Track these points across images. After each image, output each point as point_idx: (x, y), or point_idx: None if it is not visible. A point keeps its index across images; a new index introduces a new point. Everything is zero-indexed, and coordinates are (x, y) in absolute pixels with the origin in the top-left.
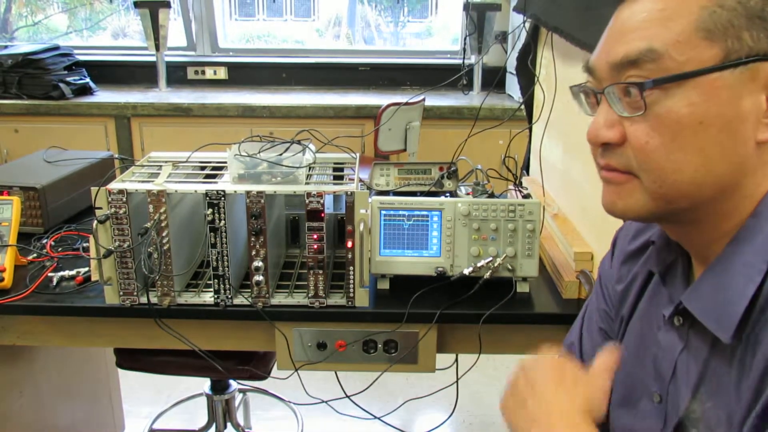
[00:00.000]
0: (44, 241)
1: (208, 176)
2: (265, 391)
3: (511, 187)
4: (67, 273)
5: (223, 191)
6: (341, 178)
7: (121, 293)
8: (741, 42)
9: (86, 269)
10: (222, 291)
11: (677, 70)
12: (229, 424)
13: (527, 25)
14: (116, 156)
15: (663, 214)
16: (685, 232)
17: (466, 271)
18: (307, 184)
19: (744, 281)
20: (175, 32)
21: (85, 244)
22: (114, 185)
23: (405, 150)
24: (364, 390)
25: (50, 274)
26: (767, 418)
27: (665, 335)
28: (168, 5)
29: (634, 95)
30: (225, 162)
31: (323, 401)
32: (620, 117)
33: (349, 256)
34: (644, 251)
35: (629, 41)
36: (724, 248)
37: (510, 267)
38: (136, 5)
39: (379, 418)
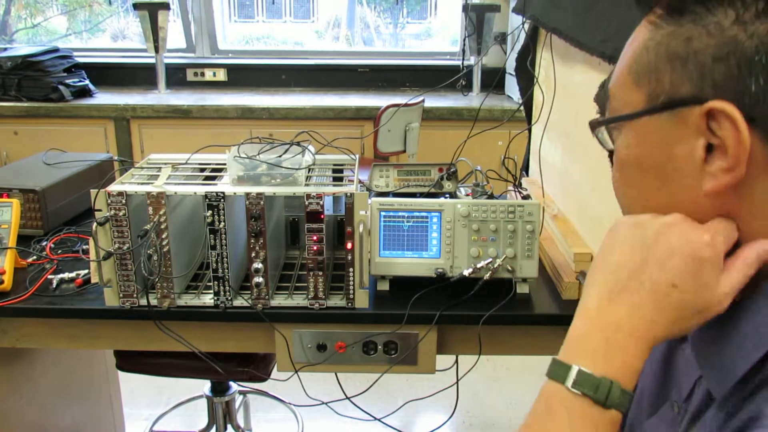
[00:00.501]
0: (44, 243)
1: (207, 178)
2: (265, 393)
3: (510, 188)
4: (66, 275)
5: (223, 193)
6: (341, 179)
7: (121, 295)
8: (661, 85)
9: (86, 271)
10: (222, 293)
11: (619, 111)
12: (229, 426)
13: (526, 26)
14: (116, 158)
15: None
16: None
17: (466, 273)
18: (306, 185)
19: (751, 345)
20: (174, 34)
21: (84, 247)
22: (113, 187)
23: (404, 151)
24: (364, 391)
25: (50, 277)
26: None
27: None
28: (167, 7)
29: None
30: (224, 164)
31: (323, 403)
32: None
33: (349, 257)
34: None
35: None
36: (742, 301)
37: (510, 268)
38: (136, 7)
39: (379, 420)
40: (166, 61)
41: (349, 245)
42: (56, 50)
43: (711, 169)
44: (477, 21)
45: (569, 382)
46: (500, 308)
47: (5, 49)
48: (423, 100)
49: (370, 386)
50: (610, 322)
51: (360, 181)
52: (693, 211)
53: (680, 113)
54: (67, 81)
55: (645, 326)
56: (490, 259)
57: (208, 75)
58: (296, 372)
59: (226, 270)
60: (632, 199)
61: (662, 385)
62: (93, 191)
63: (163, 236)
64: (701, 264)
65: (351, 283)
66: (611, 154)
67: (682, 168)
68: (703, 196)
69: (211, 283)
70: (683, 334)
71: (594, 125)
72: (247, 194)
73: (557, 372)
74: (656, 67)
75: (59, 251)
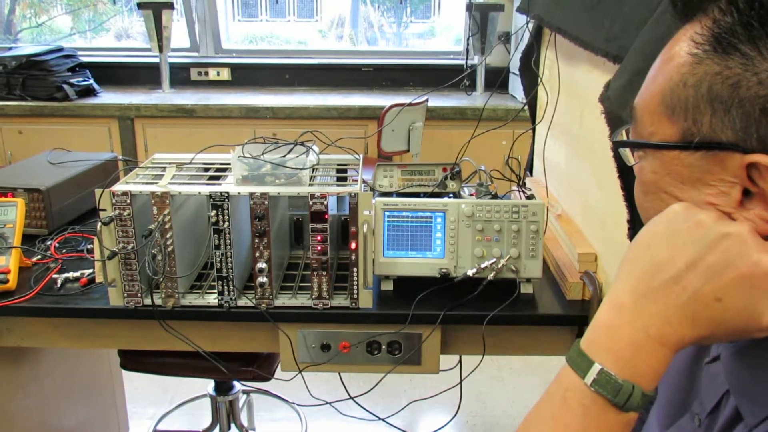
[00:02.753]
0: (48, 242)
1: (211, 178)
2: (268, 393)
3: (514, 188)
4: (71, 275)
5: (227, 193)
6: (345, 179)
7: (125, 295)
8: (699, 126)
9: (90, 271)
10: (226, 292)
11: (645, 137)
12: (232, 425)
13: (530, 25)
14: (120, 157)
15: None
16: None
17: (470, 273)
18: (310, 185)
19: None
20: (178, 33)
21: (89, 246)
22: (118, 187)
23: (408, 151)
24: (368, 391)
25: (54, 276)
26: None
27: (717, 366)
28: (171, 6)
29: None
30: (229, 163)
31: (327, 402)
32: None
33: (353, 257)
34: None
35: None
36: None
37: (514, 268)
38: (140, 6)
39: (383, 420)
40: (170, 60)
41: (353, 245)
42: (60, 50)
43: (749, 215)
44: (481, 20)
45: (589, 379)
46: (504, 308)
47: (9, 49)
48: (427, 100)
49: (374, 386)
50: (640, 321)
51: (364, 181)
52: None
53: (717, 156)
54: (72, 80)
55: (675, 334)
56: (494, 259)
57: (212, 74)
58: (300, 372)
59: (230, 270)
60: (656, 212)
61: (683, 396)
62: (97, 191)
63: (168, 236)
64: (755, 285)
65: (355, 283)
66: (615, 153)
67: (714, 203)
68: None
69: (215, 283)
70: (710, 343)
71: (618, 145)
72: (252, 194)
73: (579, 363)
74: (695, 106)
75: (64, 251)
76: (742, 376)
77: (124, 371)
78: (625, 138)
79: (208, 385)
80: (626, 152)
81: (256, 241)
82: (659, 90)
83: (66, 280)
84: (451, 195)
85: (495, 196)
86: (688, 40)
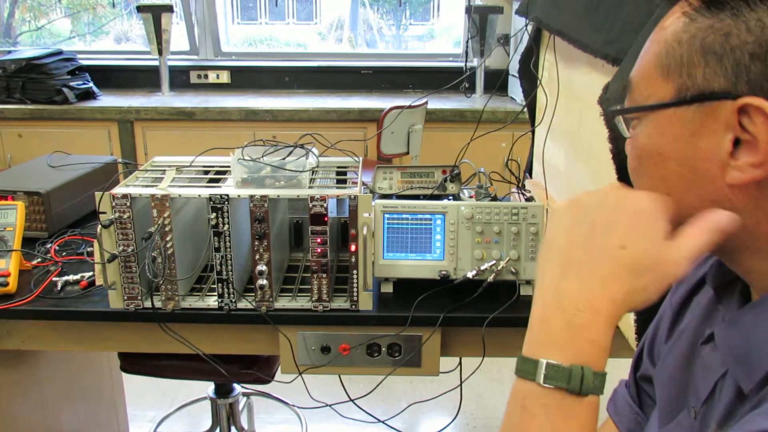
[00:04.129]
0: (48, 245)
1: (211, 180)
2: (268, 395)
3: (514, 190)
4: (71, 277)
5: (227, 195)
6: (344, 181)
7: (126, 298)
8: (693, 79)
9: (90, 274)
10: (226, 295)
11: (642, 102)
12: (233, 428)
13: (529, 28)
14: (120, 160)
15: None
16: (735, 262)
17: (470, 275)
18: (310, 188)
19: None
20: (177, 36)
21: (89, 249)
22: (118, 190)
23: (408, 153)
24: (368, 393)
25: (54, 279)
26: None
27: (710, 354)
28: (170, 9)
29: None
30: (228, 166)
31: (327, 405)
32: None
33: (353, 259)
34: (689, 302)
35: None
36: (766, 294)
37: (513, 270)
38: (139, 9)
39: (383, 422)
40: (170, 63)
41: (352, 247)
42: (60, 53)
43: (738, 163)
44: (480, 23)
45: (540, 378)
46: (504, 310)
47: (9, 52)
48: (426, 102)
49: (374, 388)
50: (566, 299)
51: (363, 184)
52: (714, 201)
53: (710, 107)
54: (71, 83)
55: (602, 296)
56: (494, 261)
57: (212, 77)
58: (300, 374)
59: (230, 272)
60: (651, 189)
61: (680, 393)
62: (97, 194)
63: (168, 239)
64: (645, 219)
65: (355, 285)
66: (615, 151)
67: (706, 159)
68: (726, 187)
69: (215, 286)
70: (647, 303)
71: (614, 114)
72: (251, 197)
73: (526, 369)
74: (689, 61)
75: (64, 253)
76: (736, 346)
77: (124, 374)
78: (611, 109)
79: (208, 388)
80: (622, 126)
81: (256, 243)
82: (654, 54)
83: (66, 283)
84: (450, 197)
85: (494, 198)
86: (679, 10)
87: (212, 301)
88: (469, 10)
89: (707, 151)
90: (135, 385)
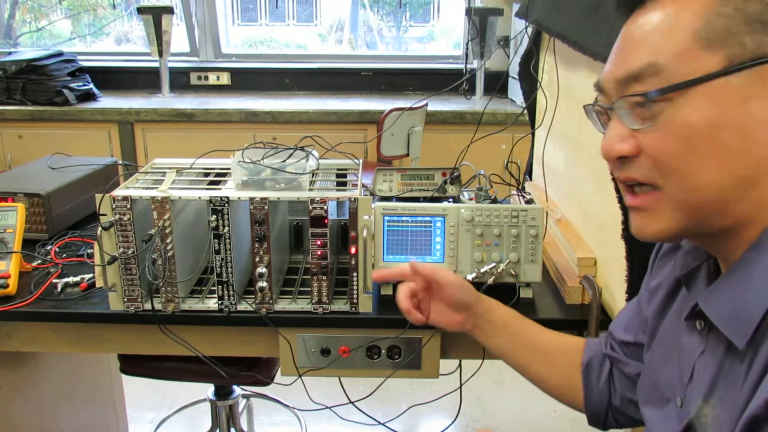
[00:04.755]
0: (49, 247)
1: (211, 183)
2: (268, 397)
3: (514, 192)
4: (71, 279)
5: (227, 198)
6: (344, 184)
7: (126, 299)
8: (743, 47)
9: (90, 276)
10: (226, 297)
11: (681, 80)
12: (232, 430)
13: (529, 30)
14: (120, 162)
15: (692, 227)
16: (713, 243)
17: (470, 277)
18: (310, 190)
19: (763, 288)
20: (178, 38)
21: (89, 251)
22: (118, 192)
23: (408, 155)
24: (367, 396)
25: (55, 281)
26: (760, 415)
27: (687, 338)
28: (171, 11)
29: (641, 108)
30: (229, 168)
31: (327, 407)
32: (631, 130)
33: (353, 262)
34: (676, 251)
35: (632, 57)
36: (744, 254)
37: (513, 272)
38: (139, 11)
39: (383, 424)
40: (170, 65)
41: (352, 250)
42: (60, 54)
43: None
44: (480, 25)
45: None
46: None
47: (10, 53)
48: (426, 104)
49: (374, 390)
50: None
51: (363, 186)
52: (758, 169)
53: (760, 71)
54: (72, 85)
55: None
56: (494, 264)
57: (212, 79)
58: (300, 376)
59: (230, 274)
60: (700, 167)
61: (667, 389)
62: (98, 196)
63: (168, 241)
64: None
65: (355, 287)
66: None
67: (759, 122)
68: None
69: (215, 288)
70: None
71: (653, 95)
72: (252, 199)
73: None
74: (736, 30)
75: (64, 255)
76: (723, 309)
77: (123, 376)
78: (636, 94)
79: (207, 390)
80: (652, 110)
81: (256, 245)
82: (691, 30)
83: (66, 285)
84: (450, 199)
85: (494, 201)
86: None
87: (212, 303)
88: (469, 12)
89: (758, 115)
90: (135, 386)
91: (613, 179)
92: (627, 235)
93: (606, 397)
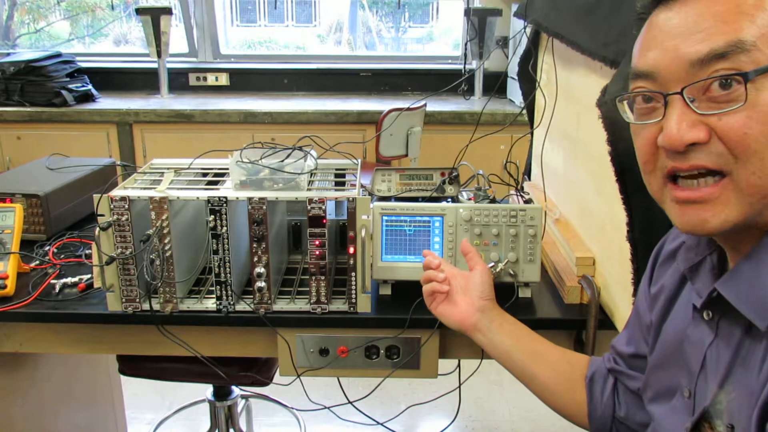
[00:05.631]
0: (47, 248)
1: (210, 183)
2: (267, 397)
3: (512, 192)
4: (69, 280)
5: (225, 198)
6: (343, 184)
7: (124, 300)
8: None
9: (89, 276)
10: (224, 297)
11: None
12: (231, 430)
13: (528, 30)
14: (118, 163)
15: (754, 215)
16: (735, 234)
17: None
18: (308, 190)
19: None
20: (176, 39)
21: (87, 251)
22: (116, 192)
23: (406, 155)
24: (366, 396)
25: (53, 281)
26: None
27: (694, 330)
28: (169, 12)
29: (727, 89)
30: (227, 169)
31: (326, 407)
32: (701, 115)
33: (351, 262)
34: (674, 257)
35: (708, 37)
36: (762, 238)
37: (512, 272)
38: (138, 12)
39: (381, 424)
40: (169, 65)
41: (351, 250)
42: (59, 55)
43: None
44: (479, 25)
45: None
46: None
47: (8, 54)
48: (425, 104)
49: (373, 390)
50: None
51: (362, 186)
52: None
53: None
54: (70, 86)
55: None
56: (492, 264)
57: (211, 79)
58: (298, 376)
59: (229, 275)
60: None
61: (672, 378)
62: (96, 196)
63: (166, 241)
64: None
65: (353, 287)
66: (613, 153)
67: None
68: None
69: (214, 288)
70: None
71: (752, 75)
72: (250, 199)
73: None
74: None
75: (62, 256)
76: (742, 292)
77: (122, 377)
78: (733, 73)
79: (206, 390)
80: (739, 92)
81: (255, 245)
82: None
83: (64, 286)
84: (449, 199)
85: (493, 201)
86: None
87: (210, 304)
88: (467, 12)
89: None
90: (133, 387)
91: (618, 180)
92: (632, 237)
93: (611, 410)
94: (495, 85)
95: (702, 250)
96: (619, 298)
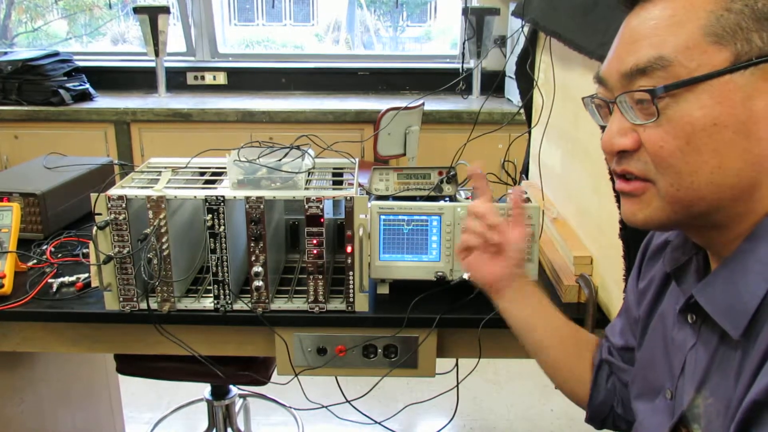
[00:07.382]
0: (44, 247)
1: (207, 182)
2: (265, 397)
3: (510, 191)
4: (67, 279)
5: (223, 197)
6: (340, 183)
7: (121, 299)
8: (750, 44)
9: (86, 275)
10: (222, 296)
11: (687, 75)
12: (229, 429)
13: (526, 29)
14: (116, 162)
15: (683, 219)
16: (704, 235)
17: (466, 276)
18: (306, 189)
19: (757, 279)
20: (174, 38)
21: (84, 250)
22: (114, 191)
23: (404, 154)
24: (364, 395)
25: (50, 281)
26: (762, 399)
27: (679, 333)
28: (167, 11)
29: (646, 103)
30: (224, 167)
31: (323, 406)
32: (633, 124)
33: (349, 261)
34: (663, 250)
35: (638, 50)
36: (739, 245)
37: None
38: (136, 11)
39: (379, 423)
40: (167, 64)
41: (349, 249)
42: (56, 54)
43: None
44: (477, 24)
45: None
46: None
47: (5, 53)
48: (423, 104)
49: (371, 389)
50: None
51: (360, 185)
52: (755, 166)
53: (766, 68)
54: (68, 85)
55: None
56: None
57: (208, 78)
58: (296, 375)
59: (226, 274)
60: (699, 165)
61: (656, 383)
62: (93, 195)
63: (163, 240)
64: None
65: (351, 286)
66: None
67: (760, 120)
68: None
69: (211, 287)
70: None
71: (660, 91)
72: (247, 198)
73: None
74: (745, 27)
75: (59, 255)
76: (718, 300)
77: (120, 376)
78: (642, 89)
79: (204, 390)
80: (651, 109)
81: (252, 245)
82: (700, 24)
83: (62, 285)
84: (447, 198)
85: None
86: None
87: (208, 303)
88: (465, 11)
89: (760, 113)
90: (131, 387)
91: (611, 177)
92: (625, 234)
93: (611, 400)
94: (493, 84)
95: (688, 249)
96: (617, 297)
